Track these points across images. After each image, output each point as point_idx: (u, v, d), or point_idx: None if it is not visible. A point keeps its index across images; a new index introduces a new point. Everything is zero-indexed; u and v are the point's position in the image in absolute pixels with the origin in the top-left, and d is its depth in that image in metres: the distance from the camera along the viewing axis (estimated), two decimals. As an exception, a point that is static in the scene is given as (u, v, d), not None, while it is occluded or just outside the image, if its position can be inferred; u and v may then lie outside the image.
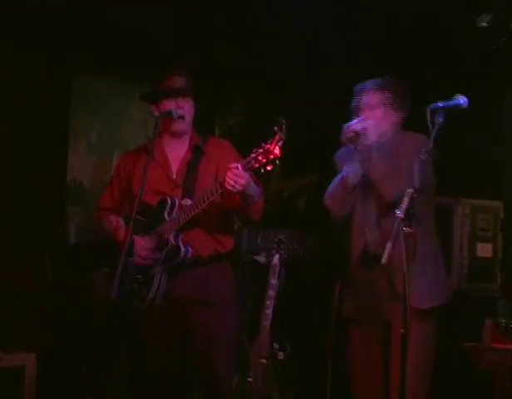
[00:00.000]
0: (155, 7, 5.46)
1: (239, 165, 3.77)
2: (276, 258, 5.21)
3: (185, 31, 5.66)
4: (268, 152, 3.66)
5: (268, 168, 3.70)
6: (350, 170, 4.05)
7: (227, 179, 3.77)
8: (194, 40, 5.72)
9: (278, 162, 3.68)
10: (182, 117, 4.09)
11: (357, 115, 4.12)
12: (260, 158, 3.69)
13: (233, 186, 3.77)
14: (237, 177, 3.76)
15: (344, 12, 5.59)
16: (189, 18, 5.64)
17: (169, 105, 4.07)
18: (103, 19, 5.34)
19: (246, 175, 3.78)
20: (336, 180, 4.16)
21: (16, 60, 5.14)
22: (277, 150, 3.64)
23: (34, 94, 5.30)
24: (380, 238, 4.00)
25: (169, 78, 4.13)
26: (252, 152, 3.73)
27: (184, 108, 4.09)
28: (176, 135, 4.18)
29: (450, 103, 3.74)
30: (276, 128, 3.67)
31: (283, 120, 3.66)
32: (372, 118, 4.07)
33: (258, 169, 3.72)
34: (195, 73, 4.21)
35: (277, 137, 3.65)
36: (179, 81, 4.12)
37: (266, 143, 3.67)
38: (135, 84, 5.46)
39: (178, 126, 4.12)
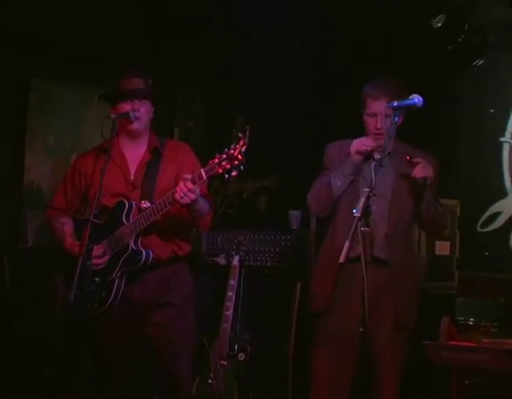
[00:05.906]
0: (114, 10, 5.45)
1: (202, 171, 3.73)
2: (236, 260, 5.22)
3: (143, 33, 5.66)
4: (231, 158, 3.63)
5: (234, 174, 3.66)
6: (338, 185, 4.03)
7: (178, 189, 3.76)
8: (153, 42, 5.71)
9: (242, 168, 3.64)
10: (138, 119, 4.06)
11: (372, 122, 4.04)
12: (224, 164, 3.65)
13: (181, 198, 3.76)
14: (187, 190, 3.74)
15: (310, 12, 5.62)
16: (147, 21, 5.64)
17: (126, 107, 4.05)
18: (62, 21, 5.31)
19: (196, 190, 3.77)
20: (322, 183, 4.12)
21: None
22: (241, 156, 3.61)
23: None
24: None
25: (126, 80, 4.10)
26: (214, 157, 3.70)
27: (140, 110, 4.06)
28: (132, 135, 4.14)
29: (406, 102, 3.76)
30: (240, 134, 3.65)
31: (248, 126, 3.63)
32: (386, 129, 3.93)
33: (222, 174, 3.68)
34: (154, 75, 4.20)
35: (241, 142, 3.63)
36: (137, 83, 4.09)
37: (229, 148, 3.65)
38: (94, 86, 5.43)
39: (133, 126, 4.08)
